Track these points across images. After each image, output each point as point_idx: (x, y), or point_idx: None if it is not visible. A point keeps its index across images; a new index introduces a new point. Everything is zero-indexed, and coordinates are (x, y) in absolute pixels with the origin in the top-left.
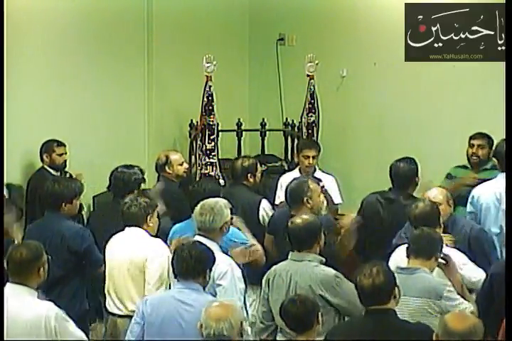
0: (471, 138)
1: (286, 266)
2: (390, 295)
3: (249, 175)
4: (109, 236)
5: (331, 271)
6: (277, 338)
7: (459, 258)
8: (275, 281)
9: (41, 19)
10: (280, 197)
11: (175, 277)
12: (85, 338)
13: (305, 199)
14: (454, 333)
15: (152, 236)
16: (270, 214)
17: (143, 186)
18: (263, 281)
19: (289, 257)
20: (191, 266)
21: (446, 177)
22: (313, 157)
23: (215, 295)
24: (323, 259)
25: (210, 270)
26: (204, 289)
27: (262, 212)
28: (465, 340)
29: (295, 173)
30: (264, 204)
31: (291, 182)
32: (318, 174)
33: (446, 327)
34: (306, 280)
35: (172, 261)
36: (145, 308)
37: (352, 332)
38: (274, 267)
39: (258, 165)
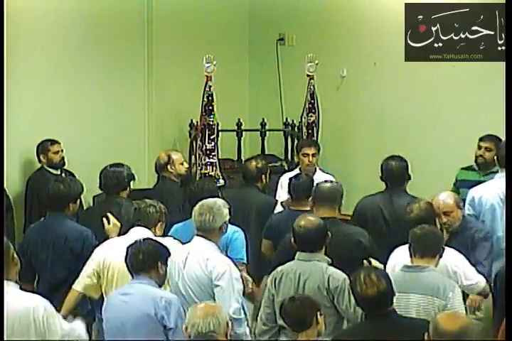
0: (479, 139)
1: (294, 266)
2: (392, 298)
3: (263, 176)
4: (100, 234)
5: (342, 274)
6: (280, 338)
7: (457, 259)
8: (282, 281)
9: (41, 19)
10: (281, 196)
11: (131, 274)
12: (73, 328)
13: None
14: (446, 333)
15: None
16: None
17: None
18: (268, 282)
19: (296, 257)
20: (140, 260)
21: (454, 183)
22: (313, 155)
23: (213, 296)
24: (330, 260)
25: (164, 264)
26: (160, 285)
27: None
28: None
29: (295, 173)
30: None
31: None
32: (318, 174)
33: (437, 328)
34: (316, 280)
35: (125, 260)
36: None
37: (361, 337)
38: (281, 267)
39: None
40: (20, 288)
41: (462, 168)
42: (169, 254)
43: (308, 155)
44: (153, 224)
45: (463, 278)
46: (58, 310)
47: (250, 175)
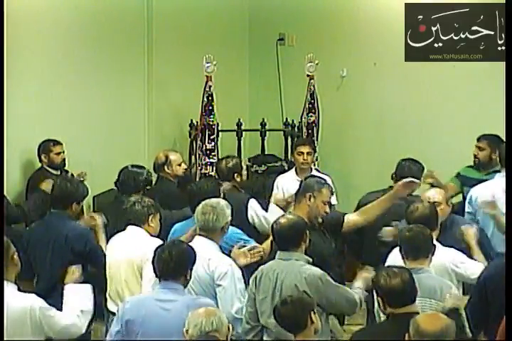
0: (477, 140)
1: (274, 265)
2: (415, 294)
3: (235, 174)
4: (113, 234)
5: (317, 270)
6: (264, 338)
7: (456, 256)
8: (262, 280)
9: (41, 19)
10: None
11: (157, 277)
12: (73, 322)
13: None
14: (426, 334)
15: (152, 236)
16: (259, 213)
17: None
18: (250, 281)
19: (277, 257)
20: (171, 266)
21: (456, 176)
22: (308, 153)
23: (215, 296)
24: (310, 259)
25: (191, 269)
26: (185, 288)
27: (250, 212)
28: None
29: (291, 174)
30: (253, 204)
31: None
32: (314, 174)
33: (418, 328)
34: (292, 279)
35: (153, 262)
36: (125, 310)
37: (381, 337)
38: (262, 267)
39: (242, 163)
40: (19, 289)
41: (467, 166)
42: (195, 259)
43: (302, 153)
44: (144, 220)
45: (464, 274)
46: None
47: (222, 174)
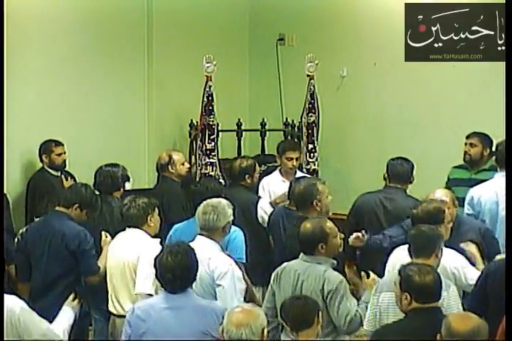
0: (466, 137)
1: (296, 265)
2: (441, 290)
3: (246, 175)
4: (98, 234)
5: (338, 276)
6: (282, 338)
7: (455, 259)
8: (283, 278)
9: (41, 19)
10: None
11: (161, 285)
12: (51, 328)
13: (314, 202)
14: (458, 334)
15: (153, 236)
16: (269, 212)
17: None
18: (272, 277)
19: (300, 257)
20: (178, 275)
21: (447, 182)
22: (297, 159)
23: (215, 295)
24: (335, 262)
25: (197, 270)
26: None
27: (260, 212)
28: None
29: (276, 175)
30: (262, 204)
31: (297, 183)
32: (298, 175)
33: (450, 328)
34: (312, 283)
35: (155, 267)
36: (133, 317)
37: (404, 332)
38: (285, 264)
39: (256, 165)
40: (15, 291)
41: (454, 167)
42: (197, 261)
43: (292, 159)
44: (142, 221)
45: (463, 279)
46: (56, 308)
47: (233, 174)
